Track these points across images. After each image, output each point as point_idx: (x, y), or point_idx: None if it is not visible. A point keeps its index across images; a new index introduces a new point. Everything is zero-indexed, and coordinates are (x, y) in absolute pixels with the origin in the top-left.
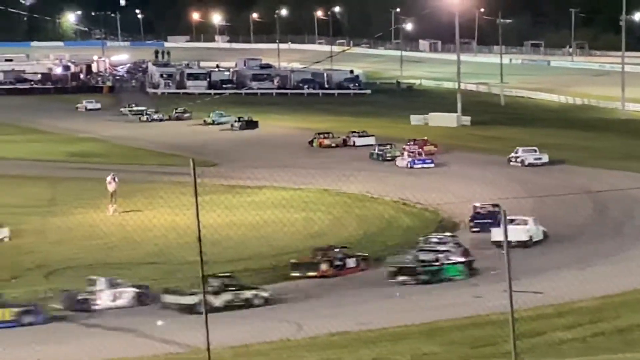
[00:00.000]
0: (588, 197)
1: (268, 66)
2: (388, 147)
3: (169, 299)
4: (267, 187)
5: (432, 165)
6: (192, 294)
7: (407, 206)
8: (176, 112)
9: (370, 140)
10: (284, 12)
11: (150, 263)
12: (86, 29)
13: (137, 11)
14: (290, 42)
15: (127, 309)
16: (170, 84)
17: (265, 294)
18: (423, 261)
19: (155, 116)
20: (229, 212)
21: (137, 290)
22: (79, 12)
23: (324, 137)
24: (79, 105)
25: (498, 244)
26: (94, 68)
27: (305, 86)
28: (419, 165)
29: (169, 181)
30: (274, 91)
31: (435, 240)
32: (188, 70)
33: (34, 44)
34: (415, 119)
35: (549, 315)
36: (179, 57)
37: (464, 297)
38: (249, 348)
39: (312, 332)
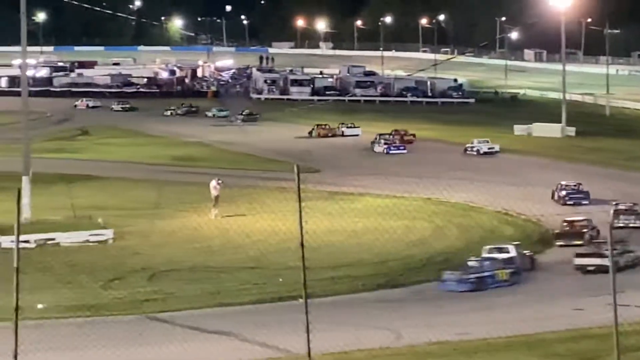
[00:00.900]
0: None
1: (371, 73)
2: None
3: None
4: (368, 195)
5: (405, 151)
6: None
7: (509, 216)
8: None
9: (357, 131)
10: (388, 19)
11: (251, 267)
12: (192, 34)
13: (243, 17)
14: (394, 50)
15: None
16: (274, 89)
17: None
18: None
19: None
20: (330, 218)
21: None
22: (186, 18)
23: (322, 128)
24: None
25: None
26: (199, 73)
27: (409, 94)
28: (394, 151)
29: (271, 187)
30: (377, 99)
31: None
32: (292, 77)
33: (141, 48)
34: (518, 129)
35: None
36: (283, 63)
37: (564, 309)
38: (349, 355)
39: (410, 340)
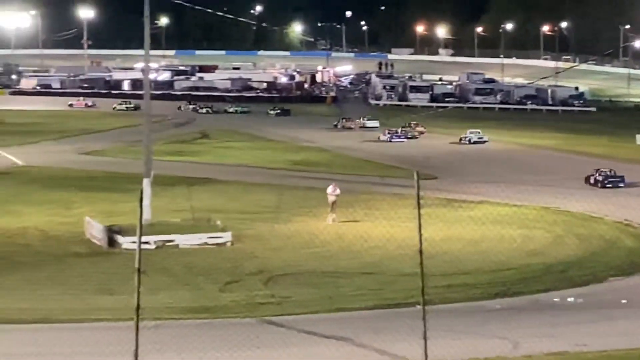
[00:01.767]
0: None
1: (491, 81)
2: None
3: None
4: (486, 203)
5: (405, 140)
6: None
7: (631, 228)
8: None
9: (376, 124)
10: (509, 26)
11: (367, 273)
12: (312, 39)
13: (362, 23)
14: (514, 57)
15: None
16: (393, 95)
17: None
18: None
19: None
20: (447, 226)
21: None
22: (306, 23)
23: (347, 120)
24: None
25: None
26: (318, 78)
27: (529, 102)
28: (396, 140)
29: (388, 193)
30: (497, 106)
31: None
32: (411, 83)
33: (261, 53)
34: None
35: None
36: (402, 70)
37: None
38: None
39: (528, 350)
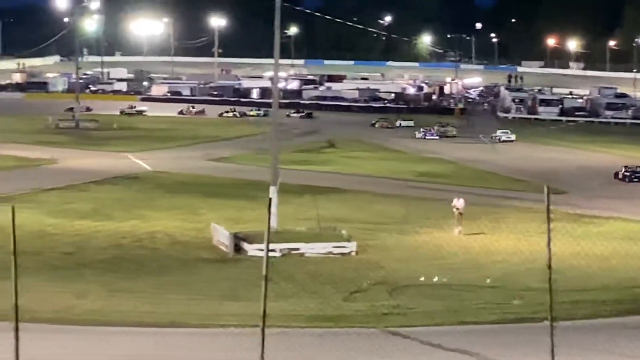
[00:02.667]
0: None
1: (623, 95)
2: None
3: None
4: (615, 219)
5: (437, 137)
6: None
7: None
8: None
9: (410, 123)
10: None
11: (492, 287)
12: (441, 50)
13: (492, 35)
14: None
15: None
16: (522, 108)
17: None
18: None
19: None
20: (575, 241)
21: None
22: (435, 34)
23: (384, 121)
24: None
25: None
26: (447, 90)
27: None
28: (429, 137)
29: (514, 206)
30: (629, 121)
31: None
32: (540, 96)
33: (389, 63)
34: None
35: None
36: (531, 83)
37: None
38: None
39: None
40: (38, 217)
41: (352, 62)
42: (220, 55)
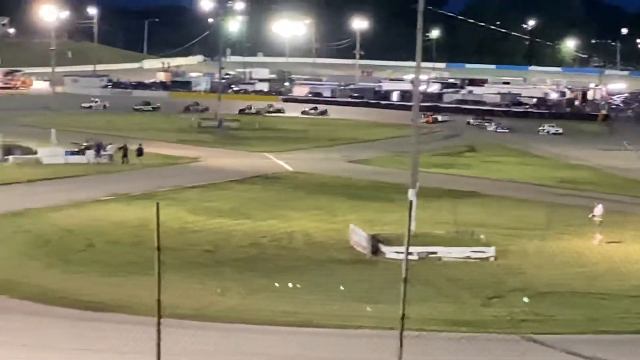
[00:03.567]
0: None
1: None
2: None
3: None
4: None
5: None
6: None
7: None
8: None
9: (446, 117)
10: None
11: (633, 296)
12: (585, 55)
13: (638, 40)
14: None
15: None
16: None
17: None
18: None
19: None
20: None
21: None
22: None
23: (430, 116)
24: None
25: None
26: (590, 95)
27: None
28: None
29: None
30: None
31: None
32: None
33: (532, 68)
34: None
35: None
36: None
37: None
38: None
39: None
40: (180, 214)
41: (493, 66)
42: (361, 58)
